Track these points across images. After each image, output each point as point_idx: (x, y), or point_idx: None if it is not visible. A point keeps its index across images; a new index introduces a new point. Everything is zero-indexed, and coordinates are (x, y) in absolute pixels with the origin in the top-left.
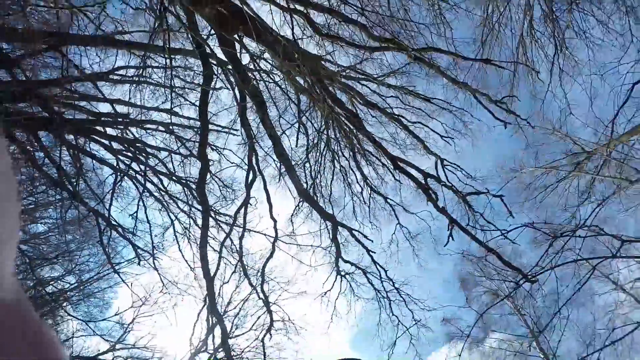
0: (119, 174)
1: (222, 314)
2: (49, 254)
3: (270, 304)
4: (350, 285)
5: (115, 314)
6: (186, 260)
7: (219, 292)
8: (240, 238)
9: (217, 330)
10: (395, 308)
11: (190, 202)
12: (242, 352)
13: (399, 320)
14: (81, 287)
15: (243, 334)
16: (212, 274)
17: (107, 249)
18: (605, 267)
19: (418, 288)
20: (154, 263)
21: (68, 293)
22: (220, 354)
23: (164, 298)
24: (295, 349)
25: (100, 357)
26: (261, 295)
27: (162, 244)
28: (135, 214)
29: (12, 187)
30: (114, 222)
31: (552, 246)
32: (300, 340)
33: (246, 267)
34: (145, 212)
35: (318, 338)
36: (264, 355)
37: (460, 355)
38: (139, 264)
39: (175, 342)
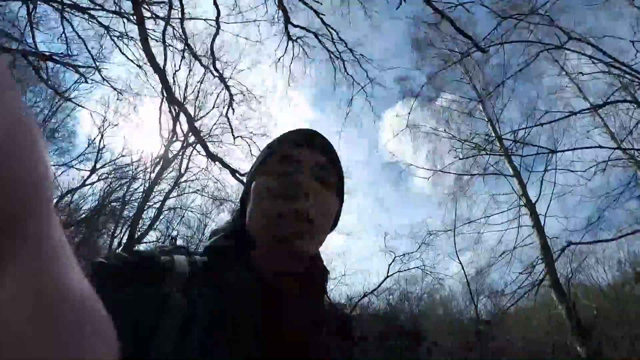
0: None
1: (182, 101)
2: None
3: (227, 79)
4: (303, 49)
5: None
6: (132, 61)
7: (174, 82)
8: (181, 22)
9: (183, 118)
10: (349, 68)
11: (117, 2)
12: (210, 130)
13: (354, 79)
14: (41, 129)
15: (207, 114)
16: (161, 66)
17: (49, 82)
18: (555, 54)
19: (372, 49)
20: (101, 75)
21: None
22: (191, 138)
23: (123, 104)
24: (258, 116)
25: (87, 183)
26: (215, 73)
27: (101, 54)
28: (63, 36)
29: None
30: (45, 53)
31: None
32: (263, 108)
33: (194, 49)
34: (73, 29)
35: (279, 103)
36: (231, 129)
37: (410, 112)
38: (85, 81)
39: (148, 142)
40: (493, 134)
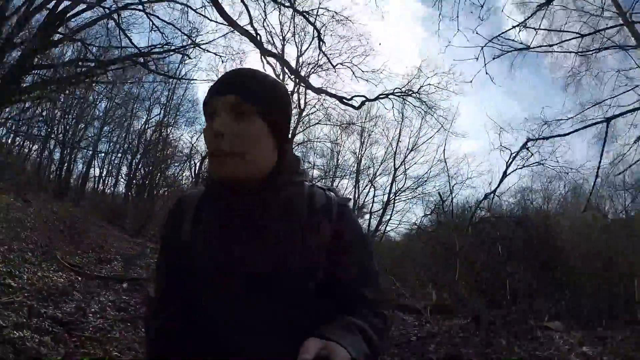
0: None
1: (279, 51)
2: None
3: (309, 14)
4: None
5: None
6: (222, 23)
7: (265, 30)
8: None
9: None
10: None
11: None
12: (316, 64)
13: None
14: None
15: (304, 51)
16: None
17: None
18: None
19: None
20: (200, 47)
21: None
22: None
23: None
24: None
25: None
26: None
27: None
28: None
29: None
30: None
31: None
32: (358, 25)
33: None
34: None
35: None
36: (329, 60)
37: None
38: (189, 57)
39: None
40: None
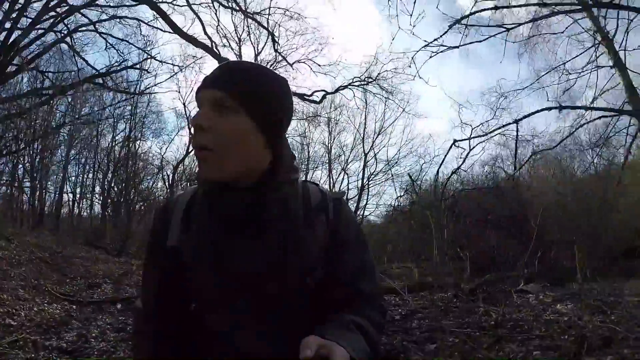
0: None
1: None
2: None
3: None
4: None
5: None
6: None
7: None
8: None
9: None
10: None
11: None
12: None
13: None
14: None
15: (259, 53)
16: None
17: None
18: None
19: None
20: (156, 60)
21: None
22: None
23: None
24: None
25: None
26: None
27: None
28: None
29: None
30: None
31: None
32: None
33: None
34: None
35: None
36: (285, 60)
37: None
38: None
39: None
40: None
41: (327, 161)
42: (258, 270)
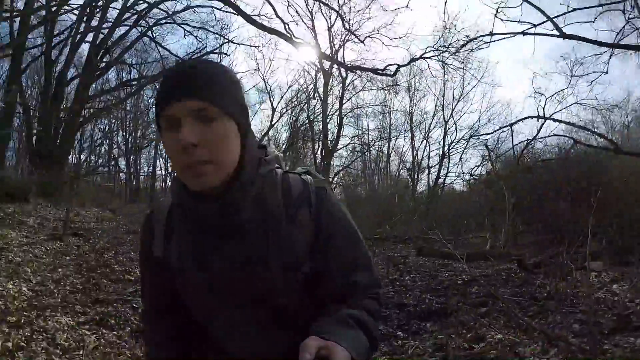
0: None
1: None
2: None
3: None
4: None
5: None
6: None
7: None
8: None
9: None
10: None
11: None
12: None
13: None
14: None
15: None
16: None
17: None
18: None
19: None
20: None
21: None
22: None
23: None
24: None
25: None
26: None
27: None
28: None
29: None
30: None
31: None
32: None
33: None
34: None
35: None
36: (357, 37)
37: None
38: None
39: None
40: None
41: (409, 129)
42: (242, 271)
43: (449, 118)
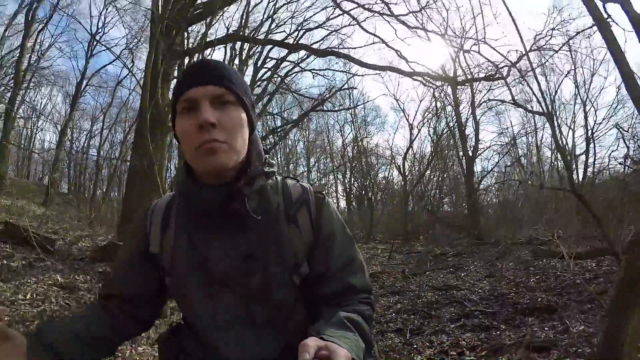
0: None
1: None
2: None
3: None
4: None
5: None
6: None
7: None
8: None
9: None
10: None
11: None
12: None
13: None
14: None
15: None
16: None
17: None
18: None
19: None
20: None
21: None
22: None
23: None
24: None
25: None
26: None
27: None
28: None
29: None
30: None
31: None
32: None
33: None
34: None
35: None
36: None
37: None
38: None
39: None
40: None
41: (551, 117)
42: (240, 266)
43: (586, 98)
